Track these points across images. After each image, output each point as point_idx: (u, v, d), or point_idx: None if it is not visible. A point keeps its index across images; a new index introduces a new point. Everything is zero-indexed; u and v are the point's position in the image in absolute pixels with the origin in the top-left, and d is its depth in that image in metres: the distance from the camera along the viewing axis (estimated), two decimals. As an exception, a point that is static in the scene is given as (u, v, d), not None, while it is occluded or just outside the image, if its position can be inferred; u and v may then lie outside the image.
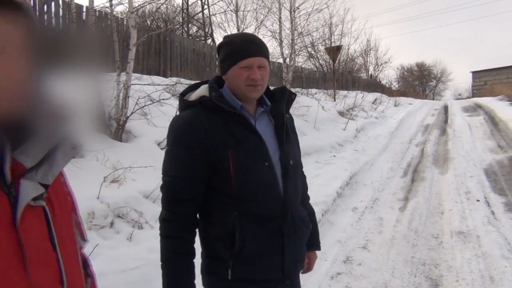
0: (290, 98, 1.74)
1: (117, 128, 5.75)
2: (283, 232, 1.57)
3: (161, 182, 1.58)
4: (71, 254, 0.86)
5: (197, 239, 1.61)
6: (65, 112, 0.83)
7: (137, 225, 3.93)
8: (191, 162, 1.52)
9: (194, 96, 1.63)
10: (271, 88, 1.76)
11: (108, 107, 5.91)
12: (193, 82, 1.92)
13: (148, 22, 14.98)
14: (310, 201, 1.97)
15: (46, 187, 0.80)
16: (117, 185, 4.38)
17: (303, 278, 1.90)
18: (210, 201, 1.57)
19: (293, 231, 1.60)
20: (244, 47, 1.55)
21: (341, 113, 13.48)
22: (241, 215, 1.52)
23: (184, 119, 1.56)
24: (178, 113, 1.70)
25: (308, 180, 1.98)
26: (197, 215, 1.61)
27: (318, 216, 4.96)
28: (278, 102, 1.69)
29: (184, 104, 1.63)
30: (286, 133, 1.65)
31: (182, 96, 1.67)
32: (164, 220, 1.56)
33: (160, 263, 1.54)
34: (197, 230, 1.61)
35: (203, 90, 1.63)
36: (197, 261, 1.58)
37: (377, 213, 5.36)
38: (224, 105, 1.53)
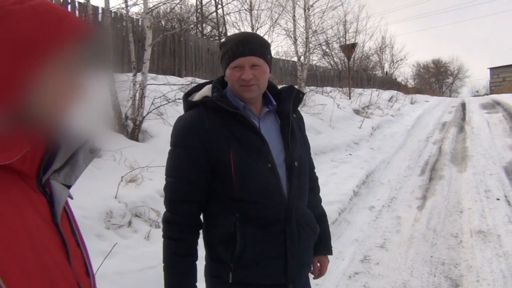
0: (298, 97, 1.70)
1: (133, 128, 5.80)
2: (286, 235, 1.53)
3: (164, 183, 1.57)
4: (86, 248, 0.91)
5: (201, 240, 1.59)
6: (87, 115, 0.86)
7: (155, 224, 3.95)
8: (192, 163, 1.50)
9: (197, 96, 1.61)
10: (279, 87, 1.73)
11: (125, 108, 5.97)
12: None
13: (163, 23, 15.08)
14: (326, 200, 1.94)
15: (68, 188, 0.85)
16: (134, 184, 4.41)
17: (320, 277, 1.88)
18: (212, 202, 1.56)
19: (297, 235, 1.56)
20: (235, 47, 1.51)
21: (357, 111, 13.38)
22: (243, 217, 1.50)
23: (186, 119, 1.55)
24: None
25: (324, 179, 1.96)
26: (200, 217, 1.59)
27: (334, 215, 4.94)
28: (285, 101, 1.65)
29: (188, 105, 1.61)
30: (292, 133, 1.61)
31: (187, 96, 1.65)
32: (166, 221, 1.54)
33: (162, 264, 1.53)
34: (200, 231, 1.59)
35: (206, 90, 1.61)
36: (201, 262, 1.57)
37: (395, 212, 5.30)
38: (225, 106, 1.51)
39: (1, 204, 0.67)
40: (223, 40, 1.64)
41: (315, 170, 1.91)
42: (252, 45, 1.52)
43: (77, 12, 7.29)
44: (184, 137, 1.52)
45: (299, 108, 1.79)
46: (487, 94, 30.38)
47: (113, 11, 7.35)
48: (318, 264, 1.83)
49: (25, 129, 0.72)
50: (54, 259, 0.73)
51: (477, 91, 43.31)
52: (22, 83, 0.68)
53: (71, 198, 0.88)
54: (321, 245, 1.78)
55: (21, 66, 0.68)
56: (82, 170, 0.85)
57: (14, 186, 0.71)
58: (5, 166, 0.69)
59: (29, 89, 0.69)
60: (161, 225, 1.59)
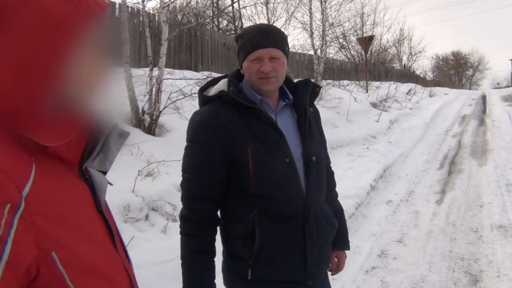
0: (314, 91, 1.67)
1: (150, 123, 5.84)
2: (305, 231, 1.52)
3: (181, 179, 1.56)
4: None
5: (218, 236, 1.59)
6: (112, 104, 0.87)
7: (171, 218, 3.98)
8: (209, 159, 1.48)
9: (213, 91, 1.59)
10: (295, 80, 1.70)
11: (142, 102, 6.01)
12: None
13: (179, 17, 15.11)
14: (343, 194, 1.92)
15: (104, 174, 0.87)
16: (151, 178, 4.45)
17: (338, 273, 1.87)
18: (229, 198, 1.54)
19: (316, 231, 1.54)
20: (253, 39, 1.49)
21: (374, 105, 13.24)
22: (261, 213, 1.48)
23: (202, 114, 1.53)
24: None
25: (340, 173, 1.93)
26: (218, 213, 1.57)
27: (351, 209, 4.90)
28: (301, 95, 1.62)
29: (203, 100, 1.59)
30: (309, 128, 1.58)
31: (202, 91, 1.63)
32: (184, 218, 1.54)
33: (180, 261, 1.52)
34: (218, 227, 1.58)
35: (222, 84, 1.59)
36: (219, 259, 1.56)
37: (413, 206, 5.23)
38: (242, 100, 1.49)
39: (60, 191, 0.68)
40: (239, 32, 1.62)
41: (331, 165, 1.89)
42: (271, 37, 1.50)
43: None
44: (200, 132, 1.51)
45: (315, 102, 1.76)
46: (508, 86, 29.72)
47: (129, 6, 7.39)
48: (336, 260, 1.81)
49: (71, 114, 0.72)
50: (105, 243, 0.76)
51: (498, 83, 42.41)
52: (61, 63, 0.68)
53: (111, 184, 0.89)
54: (339, 240, 1.76)
55: (57, 45, 0.68)
56: (115, 155, 0.86)
57: (60, 174, 0.72)
58: (50, 154, 0.70)
59: (66, 71, 0.70)
60: (177, 218, 1.58)
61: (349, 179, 5.90)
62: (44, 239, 0.61)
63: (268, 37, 1.49)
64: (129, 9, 7.43)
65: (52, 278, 0.62)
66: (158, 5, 6.48)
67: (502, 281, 3.28)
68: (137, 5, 7.70)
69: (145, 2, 7.01)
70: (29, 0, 0.67)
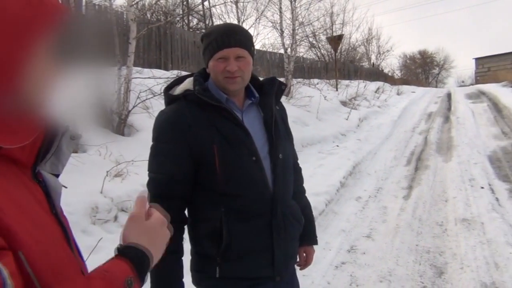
0: (280, 88, 1.68)
1: (119, 122, 5.75)
2: (273, 228, 1.53)
3: (147, 179, 1.55)
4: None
5: (186, 236, 1.58)
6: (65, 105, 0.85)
7: (141, 219, 3.94)
8: (175, 158, 1.48)
9: (178, 90, 1.59)
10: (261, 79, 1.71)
11: (110, 102, 5.91)
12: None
13: (148, 15, 14.91)
14: (314, 191, 1.96)
15: (57, 176, 0.85)
16: (120, 179, 4.39)
17: (308, 268, 1.90)
18: (197, 197, 1.54)
19: (283, 227, 1.56)
20: (219, 38, 1.49)
21: (344, 103, 13.42)
22: (228, 211, 1.49)
23: (168, 114, 1.53)
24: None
25: (311, 171, 1.96)
26: (185, 212, 1.57)
27: (321, 206, 4.96)
28: (267, 93, 1.64)
29: (169, 98, 1.59)
30: (276, 126, 1.60)
31: (167, 90, 1.62)
32: None
33: None
34: (185, 227, 1.58)
35: (188, 83, 1.59)
36: (187, 258, 1.56)
37: (381, 202, 5.35)
38: (208, 99, 1.49)
39: (11, 189, 0.67)
40: (205, 31, 1.62)
41: (300, 162, 1.92)
42: (237, 37, 1.51)
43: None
44: (166, 132, 1.51)
45: (285, 100, 1.78)
46: (472, 84, 30.70)
47: (96, 3, 7.25)
48: (304, 255, 1.83)
49: (27, 115, 0.71)
50: (63, 246, 0.74)
51: (463, 81, 43.71)
52: (19, 64, 0.68)
53: (65, 187, 0.88)
54: (306, 235, 1.78)
55: (16, 46, 0.67)
56: (67, 158, 0.85)
57: (13, 176, 0.71)
58: (3, 155, 0.69)
59: (24, 73, 0.69)
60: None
61: (320, 177, 5.98)
62: (8, 236, 0.60)
63: (234, 36, 1.50)
64: (96, 7, 7.29)
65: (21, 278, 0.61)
66: (126, 3, 6.38)
67: (465, 272, 3.40)
68: (104, 2, 7.56)
69: (112, 0, 6.88)
70: None
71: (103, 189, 4.00)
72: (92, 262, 0.87)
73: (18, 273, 0.59)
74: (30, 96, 0.71)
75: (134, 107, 5.94)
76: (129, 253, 0.80)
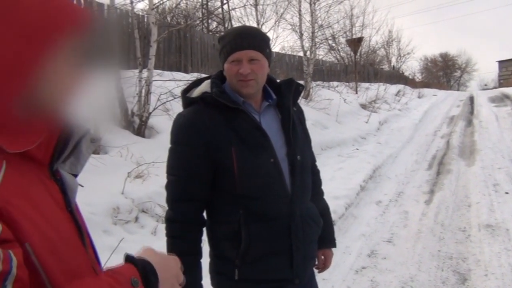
0: (298, 90, 1.67)
1: (140, 124, 5.82)
2: (291, 230, 1.52)
3: (166, 181, 1.55)
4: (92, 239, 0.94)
5: (205, 237, 1.59)
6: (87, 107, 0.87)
7: (161, 220, 3.97)
8: (193, 161, 1.48)
9: (196, 92, 1.58)
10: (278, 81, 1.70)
11: (131, 104, 5.98)
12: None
13: (168, 19, 15.06)
14: (333, 195, 1.94)
15: (75, 176, 0.88)
16: (141, 180, 4.43)
17: (327, 271, 1.88)
18: (215, 199, 1.54)
19: (302, 230, 1.55)
20: (232, 41, 1.49)
21: (363, 106, 13.32)
22: (247, 213, 1.49)
23: (186, 116, 1.53)
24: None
25: (330, 174, 1.95)
26: (203, 214, 1.58)
27: (341, 210, 4.92)
28: (284, 95, 1.62)
29: (187, 101, 1.59)
30: (293, 127, 1.58)
31: (185, 92, 1.62)
32: (169, 220, 1.54)
33: None
34: (204, 229, 1.58)
35: (205, 86, 1.58)
36: (206, 260, 1.56)
37: (402, 206, 5.27)
38: (225, 101, 1.49)
39: (25, 184, 0.69)
40: (221, 34, 1.62)
41: (320, 165, 1.90)
42: (250, 39, 1.50)
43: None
44: (184, 134, 1.51)
45: (304, 102, 1.78)
46: (495, 88, 30.08)
47: (118, 7, 7.35)
48: (323, 257, 1.82)
49: (38, 117, 0.73)
50: (75, 242, 0.77)
51: (486, 85, 42.85)
52: (32, 69, 0.69)
53: (82, 186, 0.90)
54: (325, 238, 1.77)
55: (30, 52, 0.68)
56: (86, 159, 0.88)
57: (29, 172, 0.73)
58: (21, 153, 0.71)
59: (39, 76, 0.70)
60: (167, 220, 1.58)
61: (339, 180, 5.92)
62: (16, 228, 0.62)
63: (247, 39, 1.50)
64: (118, 10, 7.40)
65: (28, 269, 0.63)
66: (147, 7, 6.46)
67: (489, 279, 3.31)
68: (125, 6, 7.67)
69: (133, 4, 6.97)
70: (16, 3, 0.68)
71: (124, 190, 4.05)
72: (114, 262, 0.87)
73: (23, 264, 0.60)
74: (44, 100, 0.73)
75: (154, 109, 6.00)
76: (137, 261, 0.81)
